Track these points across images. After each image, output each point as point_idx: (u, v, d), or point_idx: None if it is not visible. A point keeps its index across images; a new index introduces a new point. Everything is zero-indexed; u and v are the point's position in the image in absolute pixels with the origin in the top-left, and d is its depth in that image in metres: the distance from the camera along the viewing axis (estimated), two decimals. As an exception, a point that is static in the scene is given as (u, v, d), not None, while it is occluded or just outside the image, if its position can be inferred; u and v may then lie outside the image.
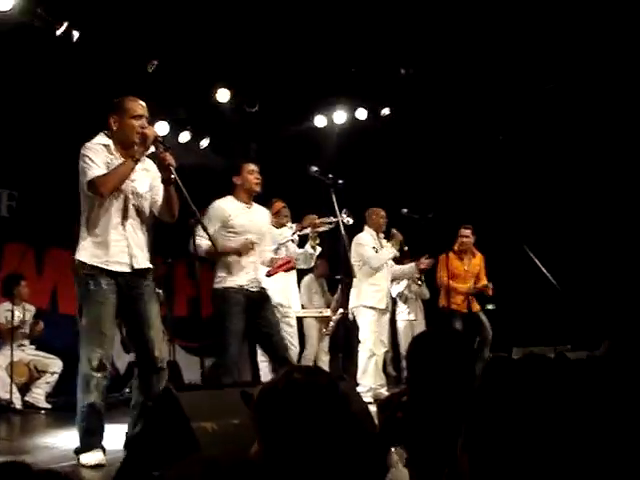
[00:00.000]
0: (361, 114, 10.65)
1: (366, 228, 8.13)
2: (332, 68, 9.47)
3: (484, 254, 9.33)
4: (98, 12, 7.86)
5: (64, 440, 6.03)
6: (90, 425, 4.65)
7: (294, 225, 7.10)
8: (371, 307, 7.99)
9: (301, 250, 7.15)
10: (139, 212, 4.81)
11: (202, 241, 5.69)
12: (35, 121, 8.86)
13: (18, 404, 7.89)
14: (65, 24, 7.96)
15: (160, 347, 4.89)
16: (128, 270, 4.70)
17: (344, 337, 7.63)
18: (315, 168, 5.95)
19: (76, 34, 8.09)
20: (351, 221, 7.26)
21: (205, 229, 5.12)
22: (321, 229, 6.70)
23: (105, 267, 4.61)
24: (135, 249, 4.74)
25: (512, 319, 10.15)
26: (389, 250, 8.10)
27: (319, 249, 6.99)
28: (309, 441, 1.88)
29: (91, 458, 4.55)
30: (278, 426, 1.90)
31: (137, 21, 7.98)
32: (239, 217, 5.95)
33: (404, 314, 10.31)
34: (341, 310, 8.77)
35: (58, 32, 8.00)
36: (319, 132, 10.82)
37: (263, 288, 5.95)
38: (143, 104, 4.80)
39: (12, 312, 8.02)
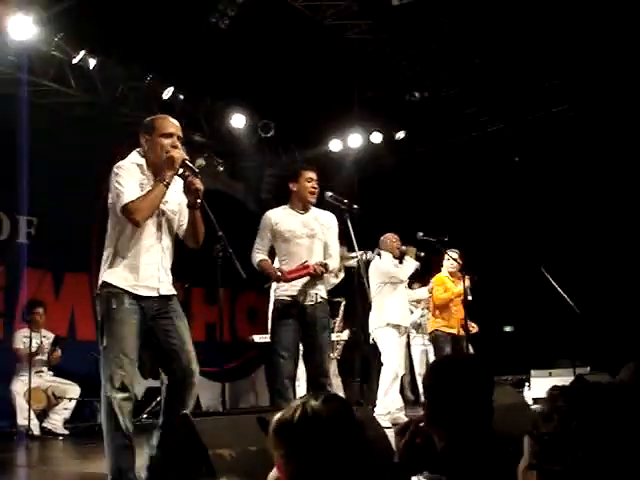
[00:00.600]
0: (376, 138, 10.69)
1: (382, 252, 8.13)
2: (347, 92, 9.52)
3: (502, 276, 9.28)
4: (114, 40, 7.96)
5: (82, 466, 6.04)
6: (120, 460, 4.27)
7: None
8: (395, 325, 7.95)
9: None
10: (169, 235, 4.70)
11: (256, 254, 5.64)
12: (52, 148, 8.94)
13: (36, 430, 7.90)
14: (82, 52, 8.06)
15: (195, 360, 4.71)
16: (155, 295, 4.46)
17: (361, 361, 7.56)
18: (330, 193, 5.89)
19: (92, 62, 8.20)
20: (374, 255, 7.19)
21: (231, 254, 4.91)
22: (346, 263, 6.58)
23: (131, 291, 4.37)
24: (163, 274, 4.52)
25: (530, 341, 10.11)
26: (411, 262, 8.09)
27: (342, 275, 6.90)
28: (326, 470, 1.87)
29: None
30: (295, 455, 1.90)
31: (153, 48, 8.07)
32: (285, 223, 5.66)
33: (419, 340, 10.32)
34: (347, 332, 8.76)
35: (75, 60, 8.11)
36: (334, 156, 10.86)
37: (322, 301, 5.63)
38: (175, 122, 4.58)
39: (30, 339, 8.06)
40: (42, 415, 8.19)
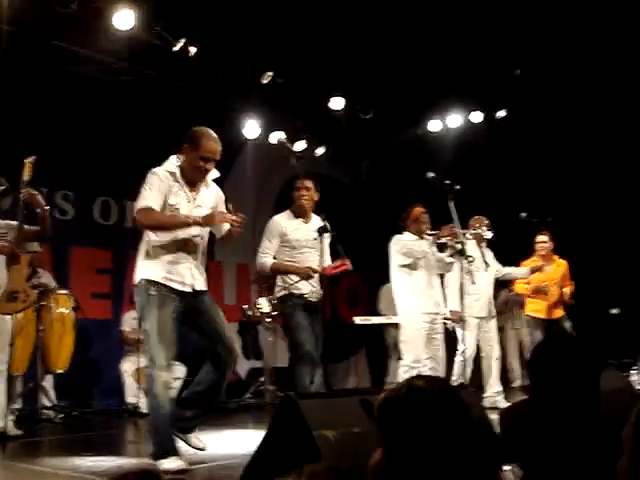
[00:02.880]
0: (476, 117, 10.53)
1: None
2: (446, 71, 9.40)
3: (608, 257, 9.02)
4: (214, 27, 8.06)
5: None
6: (163, 430, 4.64)
7: (431, 237, 6.96)
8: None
9: (440, 256, 7.06)
10: (201, 237, 4.92)
11: (266, 258, 6.08)
12: (156, 135, 9.14)
13: (144, 408, 8.14)
14: (182, 40, 8.20)
15: (231, 336, 5.01)
16: (190, 290, 4.81)
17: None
18: (432, 174, 5.88)
19: (193, 49, 8.32)
20: (490, 235, 7.11)
21: (334, 236, 5.28)
22: (459, 240, 6.59)
23: (167, 284, 4.72)
24: (196, 272, 4.86)
25: (639, 324, 9.82)
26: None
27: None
28: (430, 450, 1.87)
29: (171, 465, 4.49)
30: (399, 434, 1.91)
31: (251, 33, 8.14)
32: (294, 232, 6.13)
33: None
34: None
35: (176, 48, 8.26)
36: (434, 136, 10.76)
37: (320, 296, 6.11)
38: (218, 146, 4.88)
39: (139, 320, 8.29)
40: (150, 394, 8.44)
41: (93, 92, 8.51)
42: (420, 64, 9.06)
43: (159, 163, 9.26)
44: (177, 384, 8.52)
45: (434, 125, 10.70)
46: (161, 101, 8.94)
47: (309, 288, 6.05)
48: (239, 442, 5.66)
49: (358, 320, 9.84)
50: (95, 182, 9.01)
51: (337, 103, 9.90)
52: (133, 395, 8.09)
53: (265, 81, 9.16)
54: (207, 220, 4.73)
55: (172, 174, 4.84)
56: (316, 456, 2.95)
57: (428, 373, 6.48)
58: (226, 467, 4.67)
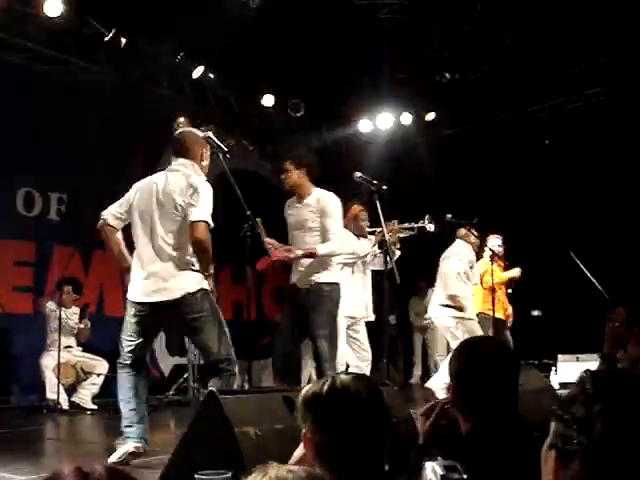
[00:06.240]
0: (406, 119, 10.63)
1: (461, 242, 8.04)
2: (377, 73, 9.47)
3: (530, 260, 9.21)
4: (146, 19, 7.96)
5: (109, 439, 6.10)
6: None
7: (373, 237, 6.88)
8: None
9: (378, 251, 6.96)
10: None
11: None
12: (83, 125, 8.99)
13: (65, 404, 8.00)
14: (113, 30, 8.08)
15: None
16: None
17: (389, 343, 7.52)
18: (359, 174, 5.85)
19: (123, 40, 8.21)
20: (433, 227, 7.14)
21: (260, 234, 5.00)
22: (401, 235, 6.51)
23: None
24: None
25: (558, 325, 10.05)
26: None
27: (398, 253, 6.78)
28: (351, 444, 1.89)
29: None
30: (321, 428, 1.92)
31: (184, 27, 8.07)
32: (287, 215, 5.92)
33: None
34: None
35: (106, 38, 8.13)
36: (364, 136, 10.82)
37: (319, 284, 5.63)
38: None
39: (59, 315, 8.14)
40: (71, 390, 8.30)
41: (19, 79, 8.32)
42: (352, 64, 9.11)
43: (86, 154, 9.16)
44: (99, 380, 8.42)
45: (364, 125, 10.77)
46: (89, 91, 8.79)
47: (295, 275, 5.69)
48: (161, 439, 5.60)
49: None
50: (18, 172, 8.81)
51: (268, 100, 9.88)
52: (54, 391, 7.93)
53: (196, 75, 9.09)
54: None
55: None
56: (237, 453, 2.94)
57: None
58: (148, 464, 4.62)
